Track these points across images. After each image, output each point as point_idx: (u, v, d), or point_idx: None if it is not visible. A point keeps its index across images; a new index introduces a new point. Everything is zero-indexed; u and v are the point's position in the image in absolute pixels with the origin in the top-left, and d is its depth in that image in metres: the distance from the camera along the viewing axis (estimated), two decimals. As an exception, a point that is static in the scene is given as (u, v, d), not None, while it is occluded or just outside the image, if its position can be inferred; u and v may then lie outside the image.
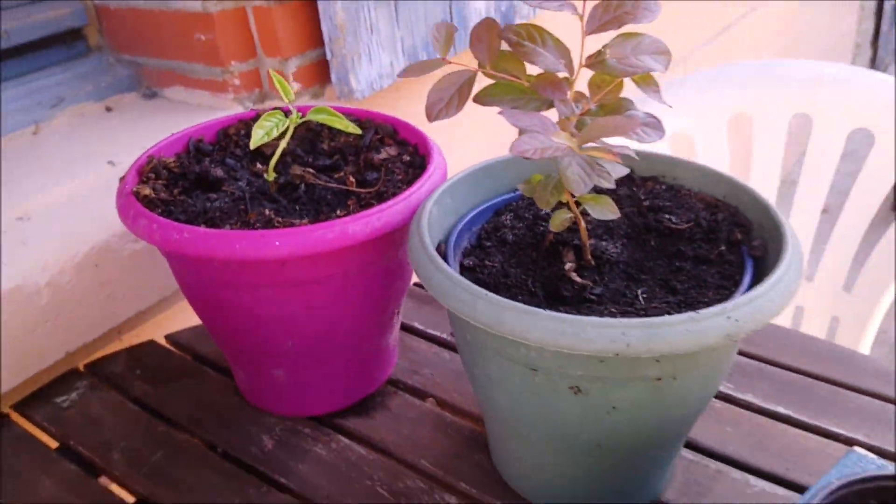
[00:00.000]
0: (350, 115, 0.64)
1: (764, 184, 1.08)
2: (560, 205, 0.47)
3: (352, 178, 0.57)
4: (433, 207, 0.50)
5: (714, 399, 0.61)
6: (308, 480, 0.56)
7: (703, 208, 0.53)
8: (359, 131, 0.57)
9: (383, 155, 0.60)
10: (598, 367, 0.41)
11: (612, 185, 0.43)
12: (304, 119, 0.55)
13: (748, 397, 0.62)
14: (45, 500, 0.55)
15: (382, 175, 0.57)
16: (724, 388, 0.62)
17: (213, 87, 0.89)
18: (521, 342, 0.41)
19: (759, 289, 0.41)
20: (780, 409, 0.60)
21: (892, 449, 0.56)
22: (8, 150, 0.78)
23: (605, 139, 0.42)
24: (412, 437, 0.59)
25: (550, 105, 0.44)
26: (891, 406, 0.60)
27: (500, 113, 0.42)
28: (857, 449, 0.52)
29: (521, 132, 0.42)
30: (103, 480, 0.58)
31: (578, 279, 0.48)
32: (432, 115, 0.43)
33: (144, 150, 0.59)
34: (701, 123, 1.08)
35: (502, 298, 0.41)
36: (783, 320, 1.10)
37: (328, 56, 0.87)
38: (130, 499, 0.56)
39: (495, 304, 0.41)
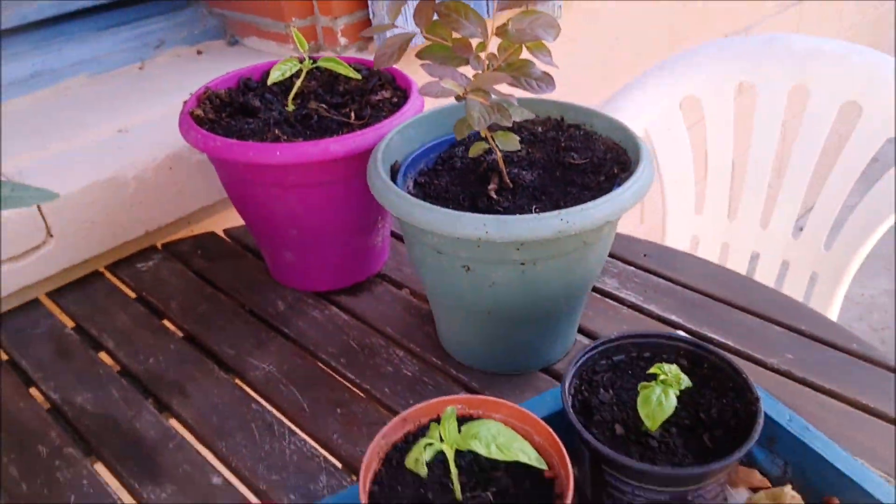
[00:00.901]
0: (362, 65, 0.83)
1: (763, 146, 1.18)
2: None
3: (353, 114, 0.76)
4: (396, 135, 0.68)
5: (621, 306, 0.77)
6: (303, 332, 0.76)
7: (603, 149, 0.68)
8: (358, 77, 0.76)
9: (379, 97, 0.78)
10: (476, 251, 0.59)
11: (509, 124, 0.60)
12: (314, 65, 0.74)
13: (651, 307, 0.77)
14: (122, 328, 0.78)
15: (371, 112, 0.75)
16: (634, 300, 0.78)
17: (279, 39, 1.09)
18: (427, 230, 0.59)
19: (590, 203, 0.57)
20: (674, 318, 0.76)
21: (758, 356, 0.71)
22: (118, 80, 1.02)
23: (497, 87, 0.59)
24: (384, 312, 0.79)
25: (467, 62, 0.61)
26: (774, 326, 0.74)
27: (421, 65, 0.59)
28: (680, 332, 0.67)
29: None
30: (165, 322, 0.80)
31: (494, 196, 0.65)
32: (379, 63, 0.61)
33: (218, 85, 0.80)
34: (709, 89, 1.19)
35: (413, 198, 0.59)
36: (768, 275, 1.22)
37: (371, 17, 1.05)
38: (180, 335, 0.78)
39: (406, 201, 0.59)
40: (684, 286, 0.80)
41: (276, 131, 0.71)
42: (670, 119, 1.21)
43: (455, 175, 0.69)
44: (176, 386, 0.71)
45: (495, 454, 0.41)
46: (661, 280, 0.81)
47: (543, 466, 0.41)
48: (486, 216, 0.56)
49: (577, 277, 0.63)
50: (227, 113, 0.77)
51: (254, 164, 0.68)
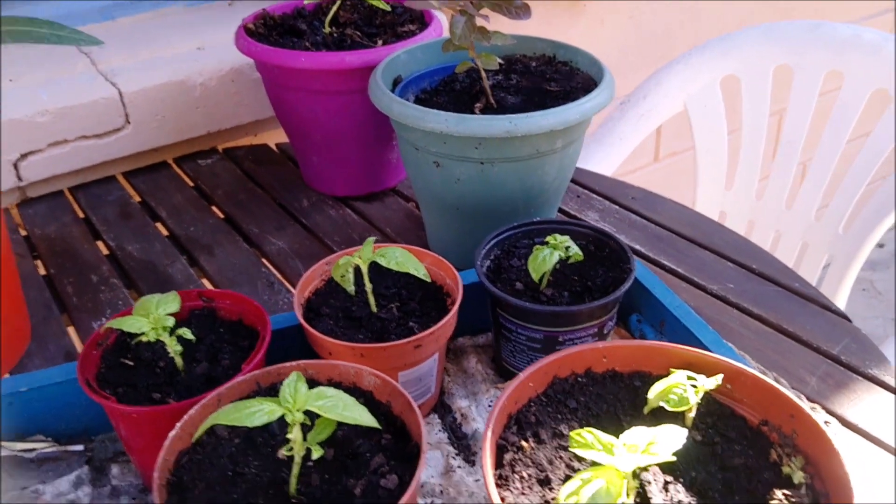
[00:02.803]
0: (398, 3, 0.95)
1: (794, 130, 1.22)
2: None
3: (380, 41, 0.89)
4: (403, 53, 0.80)
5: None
6: (318, 224, 0.90)
7: (579, 81, 0.78)
8: (388, 8, 0.88)
9: (405, 28, 0.90)
10: (442, 147, 0.70)
11: (487, 43, 0.71)
12: (351, -3, 0.87)
13: (621, 236, 0.85)
14: (175, 205, 0.94)
15: (392, 39, 0.87)
16: (628, 241, 0.86)
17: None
18: (402, 123, 0.70)
19: (537, 112, 0.66)
20: (637, 246, 0.84)
21: (702, 283, 0.78)
22: (209, 11, 1.19)
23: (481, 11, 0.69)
24: (388, 217, 0.91)
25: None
26: (725, 261, 0.81)
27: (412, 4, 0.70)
28: (590, 222, 0.76)
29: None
30: (210, 206, 0.96)
31: (478, 113, 0.76)
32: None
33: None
34: (748, 69, 1.24)
35: (392, 94, 0.71)
36: (788, 254, 1.25)
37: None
38: (220, 216, 0.93)
39: (388, 96, 0.71)
40: (657, 223, 0.88)
41: (310, 47, 0.84)
42: (709, 95, 1.27)
43: (453, 95, 0.80)
44: (206, 248, 0.86)
45: (394, 266, 0.53)
46: (638, 218, 0.90)
47: (426, 278, 0.53)
48: (450, 113, 0.67)
49: (534, 184, 0.73)
50: (277, 32, 0.91)
51: (284, 68, 0.81)
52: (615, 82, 0.74)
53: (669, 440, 0.36)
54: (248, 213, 0.92)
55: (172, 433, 0.41)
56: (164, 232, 0.90)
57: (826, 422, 0.58)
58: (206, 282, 0.82)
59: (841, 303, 1.18)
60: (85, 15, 1.14)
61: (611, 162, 1.29)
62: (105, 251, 0.87)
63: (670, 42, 1.59)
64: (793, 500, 0.38)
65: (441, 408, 0.60)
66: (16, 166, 0.92)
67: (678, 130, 1.29)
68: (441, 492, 0.52)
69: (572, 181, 0.98)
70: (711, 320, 0.72)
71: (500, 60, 0.76)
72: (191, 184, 1.00)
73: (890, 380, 0.65)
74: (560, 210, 0.91)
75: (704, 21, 1.63)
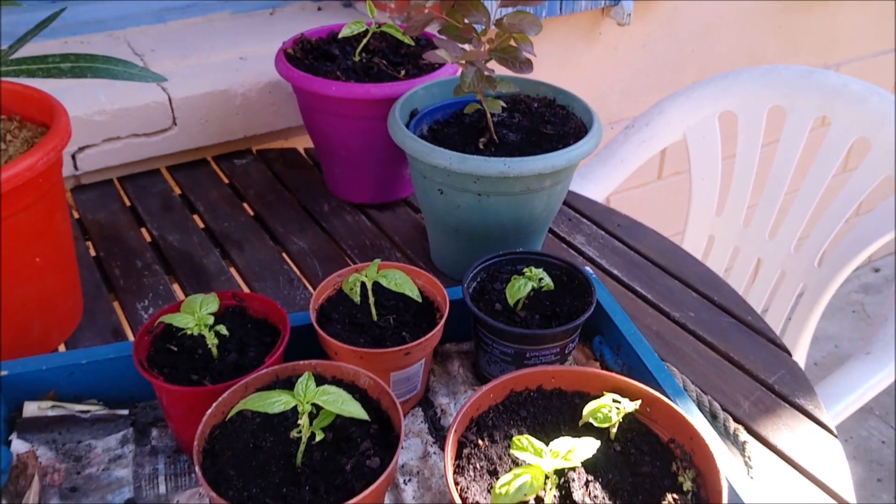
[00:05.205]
0: (423, 35, 1.06)
1: (783, 166, 1.32)
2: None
3: (403, 72, 1.00)
4: (421, 89, 0.91)
5: (579, 256, 0.97)
6: (335, 228, 1.01)
7: (572, 126, 0.88)
8: (412, 42, 0.99)
9: (425, 61, 1.01)
10: (446, 178, 0.81)
11: (493, 91, 0.82)
12: (379, 28, 0.98)
13: (601, 261, 0.96)
14: (212, 200, 1.06)
15: (417, 72, 0.98)
16: (591, 254, 0.98)
17: (380, 7, 1.34)
18: (413, 156, 0.81)
19: (529, 157, 0.77)
20: (615, 271, 0.95)
21: (667, 309, 0.89)
22: (252, 20, 1.30)
23: (485, 61, 0.80)
24: (398, 226, 1.02)
25: (471, 41, 0.83)
26: (691, 291, 0.92)
27: (434, 38, 0.81)
28: (563, 257, 0.87)
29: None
30: (242, 203, 1.08)
31: (481, 147, 0.87)
32: (409, 32, 0.84)
33: (305, 31, 1.06)
34: (744, 106, 1.34)
35: (406, 129, 0.82)
36: (767, 280, 1.35)
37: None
38: (251, 213, 1.05)
39: (403, 132, 0.82)
40: (636, 251, 0.99)
41: (340, 74, 0.96)
42: (707, 127, 1.37)
43: (461, 128, 0.91)
44: (237, 243, 0.98)
45: (393, 287, 0.64)
46: (619, 244, 1.00)
47: (417, 298, 0.64)
48: (452, 152, 0.78)
49: (524, 216, 0.84)
50: (313, 56, 1.03)
51: (317, 93, 0.93)
52: (602, 131, 0.85)
53: (584, 450, 0.47)
54: (275, 213, 1.04)
55: (209, 411, 0.53)
56: (201, 225, 1.02)
57: (744, 441, 0.69)
58: (234, 273, 0.94)
59: (809, 329, 1.28)
60: (139, 17, 1.26)
61: (611, 181, 1.39)
62: (148, 239, 0.99)
63: (680, 69, 1.69)
64: (679, 501, 0.50)
65: (425, 403, 0.71)
66: (73, 157, 1.04)
67: (682, 153, 1.39)
68: (418, 472, 0.64)
69: (566, 204, 1.09)
70: (668, 344, 0.83)
71: (503, 104, 0.87)
72: (226, 181, 1.12)
73: (814, 410, 0.76)
74: (551, 231, 1.02)
75: (713, 51, 1.72)
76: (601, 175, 1.38)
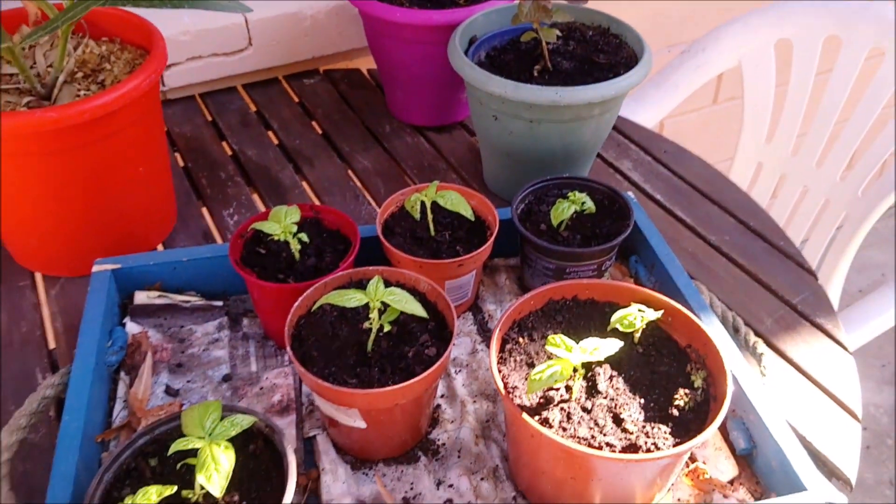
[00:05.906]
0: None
1: (834, 97, 1.33)
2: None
3: (463, 1, 1.05)
4: (480, 16, 0.97)
5: (623, 181, 1.04)
6: (396, 148, 1.10)
7: (624, 56, 0.93)
8: (473, -29, 1.04)
9: (486, -11, 1.06)
10: (500, 105, 0.88)
11: (548, 21, 0.87)
12: (442, -43, 1.03)
13: (645, 186, 1.03)
14: (284, 118, 1.15)
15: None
16: (636, 179, 1.04)
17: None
18: (471, 84, 0.88)
19: (580, 86, 0.83)
20: (658, 196, 1.01)
21: (704, 233, 0.96)
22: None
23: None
24: (454, 148, 1.10)
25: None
26: (728, 217, 0.98)
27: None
28: (607, 182, 0.93)
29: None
30: (311, 121, 1.16)
31: (535, 74, 0.93)
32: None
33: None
34: (801, 35, 1.35)
35: (465, 57, 0.88)
36: (812, 207, 1.39)
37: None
38: (319, 131, 1.14)
39: (462, 59, 0.88)
40: (680, 177, 1.05)
41: (404, 0, 1.02)
42: (762, 55, 1.38)
43: (518, 55, 0.97)
44: (308, 160, 1.07)
45: (449, 206, 0.73)
46: (664, 170, 1.06)
47: (471, 217, 0.73)
48: (508, 81, 0.85)
49: (573, 142, 0.91)
50: (380, -17, 1.08)
51: (381, 18, 0.99)
52: (652, 62, 0.90)
53: (608, 348, 0.56)
54: (341, 132, 1.13)
55: (296, 304, 0.63)
56: (275, 141, 1.12)
57: (761, 353, 0.77)
58: (306, 187, 1.03)
59: (848, 258, 1.33)
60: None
61: (665, 105, 1.43)
62: (229, 152, 1.09)
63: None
64: (689, 395, 0.59)
65: (475, 308, 0.81)
66: (161, 75, 1.13)
67: (738, 79, 1.41)
68: (467, 365, 0.74)
69: (615, 130, 1.14)
70: (702, 264, 0.91)
71: (558, 32, 0.92)
72: (296, 100, 1.21)
73: (832, 329, 0.83)
74: (600, 156, 1.09)
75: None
76: (655, 99, 1.42)
